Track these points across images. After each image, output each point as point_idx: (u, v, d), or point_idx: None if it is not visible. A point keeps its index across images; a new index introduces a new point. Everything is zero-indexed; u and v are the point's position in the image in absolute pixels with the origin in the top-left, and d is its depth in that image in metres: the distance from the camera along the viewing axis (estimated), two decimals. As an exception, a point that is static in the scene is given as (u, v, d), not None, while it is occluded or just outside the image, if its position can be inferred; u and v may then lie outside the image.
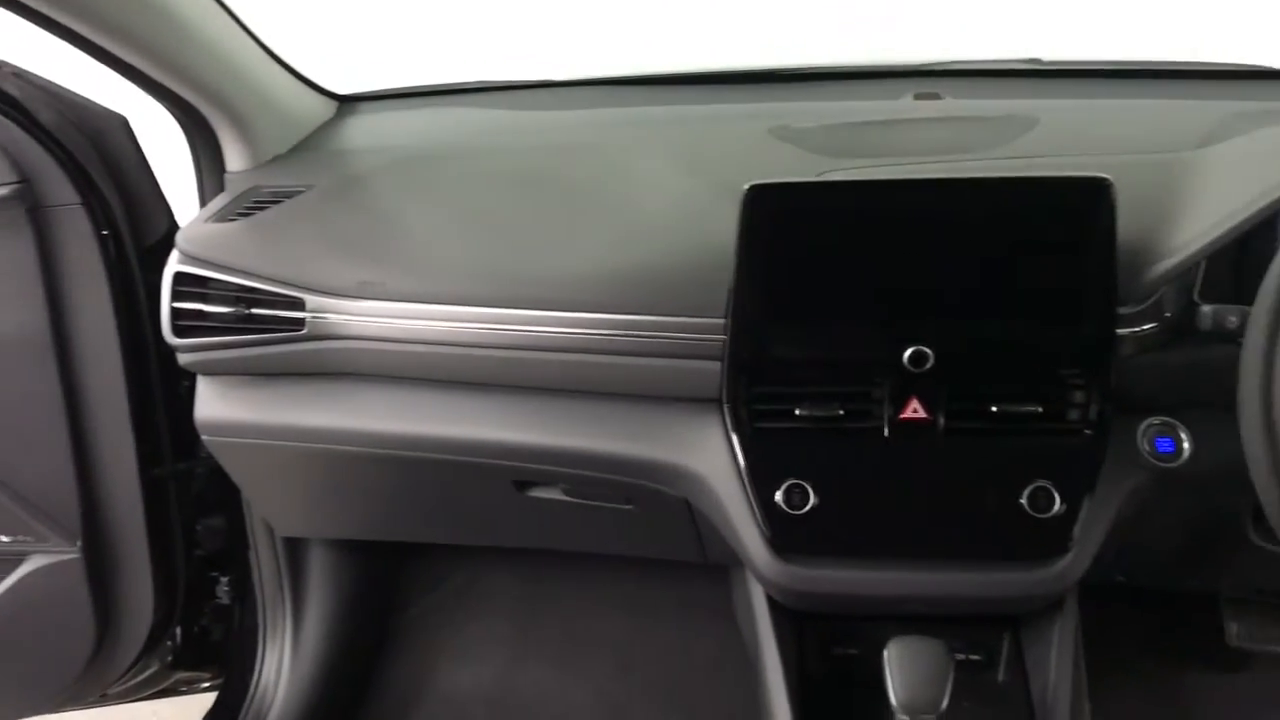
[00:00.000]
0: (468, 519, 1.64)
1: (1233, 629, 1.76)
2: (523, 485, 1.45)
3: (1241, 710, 1.75)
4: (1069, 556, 1.19)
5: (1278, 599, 1.75)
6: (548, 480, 1.43)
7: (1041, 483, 1.19)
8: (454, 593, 2.05)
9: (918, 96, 1.60)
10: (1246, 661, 1.79)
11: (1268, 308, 0.97)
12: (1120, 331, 1.19)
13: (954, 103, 1.59)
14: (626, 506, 1.43)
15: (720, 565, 1.63)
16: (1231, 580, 1.65)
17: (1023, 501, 1.19)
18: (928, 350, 1.19)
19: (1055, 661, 1.29)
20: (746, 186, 1.18)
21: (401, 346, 1.34)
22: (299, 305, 1.36)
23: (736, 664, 1.78)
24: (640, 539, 1.59)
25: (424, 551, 2.08)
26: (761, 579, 1.30)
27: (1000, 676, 1.39)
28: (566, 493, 1.45)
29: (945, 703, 1.09)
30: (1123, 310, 1.19)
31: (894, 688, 1.10)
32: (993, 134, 1.44)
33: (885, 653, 1.13)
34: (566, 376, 1.32)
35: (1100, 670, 1.68)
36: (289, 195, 1.45)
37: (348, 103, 1.75)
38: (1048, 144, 1.42)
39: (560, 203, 1.40)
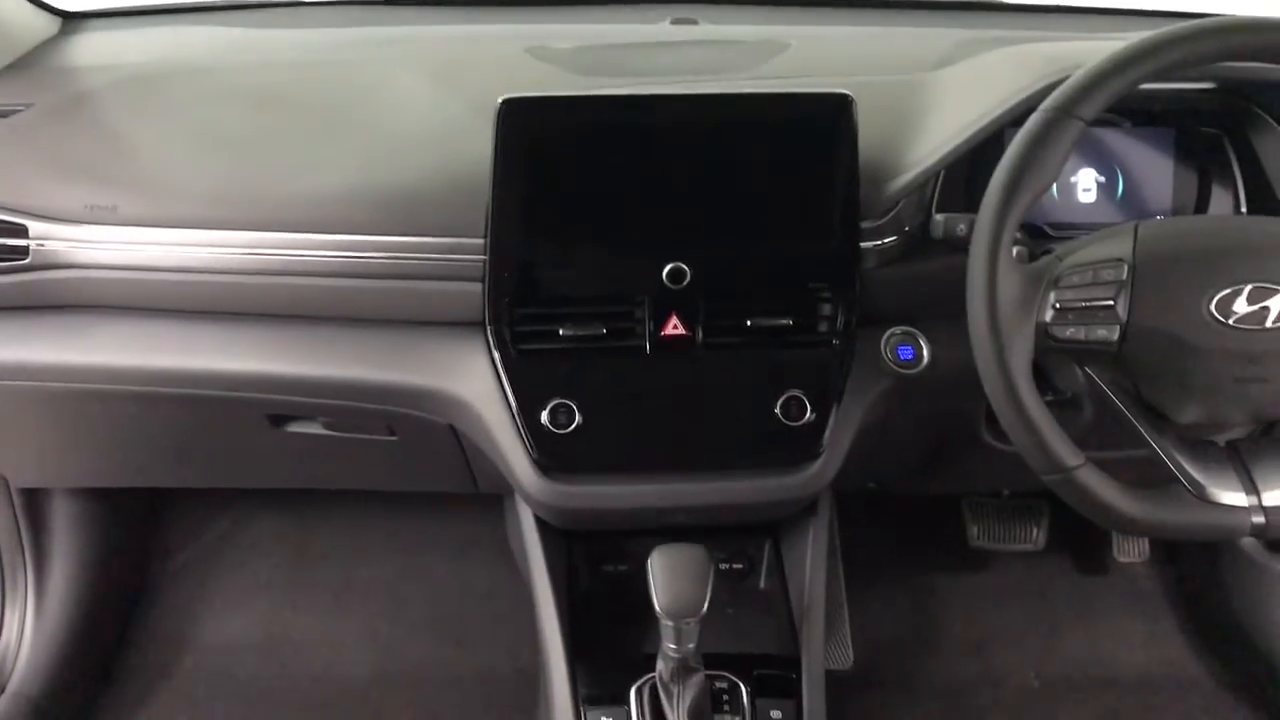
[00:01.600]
0: (223, 460, 1.57)
1: (973, 531, 1.89)
2: (279, 420, 1.40)
3: (981, 604, 1.89)
4: (820, 461, 1.24)
5: (1012, 500, 1.90)
6: (305, 414, 1.38)
7: (794, 392, 1.23)
8: (217, 540, 1.96)
9: (674, 21, 1.62)
10: (986, 560, 1.94)
11: (990, 214, 1.03)
12: (863, 245, 1.24)
13: (710, 28, 1.61)
14: (391, 438, 1.40)
15: (493, 495, 1.63)
16: (970, 482, 1.77)
17: (777, 411, 1.23)
18: (685, 266, 1.20)
19: (811, 564, 1.35)
20: (500, 100, 1.16)
21: (138, 275, 1.26)
22: (21, 232, 1.26)
23: (512, 596, 1.79)
24: (408, 471, 1.56)
25: (182, 498, 1.98)
26: (529, 500, 1.30)
27: (761, 583, 1.44)
28: (326, 426, 1.40)
29: (706, 606, 1.12)
30: (865, 224, 1.23)
31: (657, 594, 1.12)
32: (745, 57, 1.47)
33: (649, 561, 1.15)
34: (320, 302, 1.27)
35: (855, 574, 1.78)
36: (4, 114, 1.34)
37: (73, 19, 1.62)
38: (797, 66, 1.46)
39: (309, 121, 1.34)
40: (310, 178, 1.26)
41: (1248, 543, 1.71)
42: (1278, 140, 1.29)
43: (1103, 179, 1.34)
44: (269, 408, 1.36)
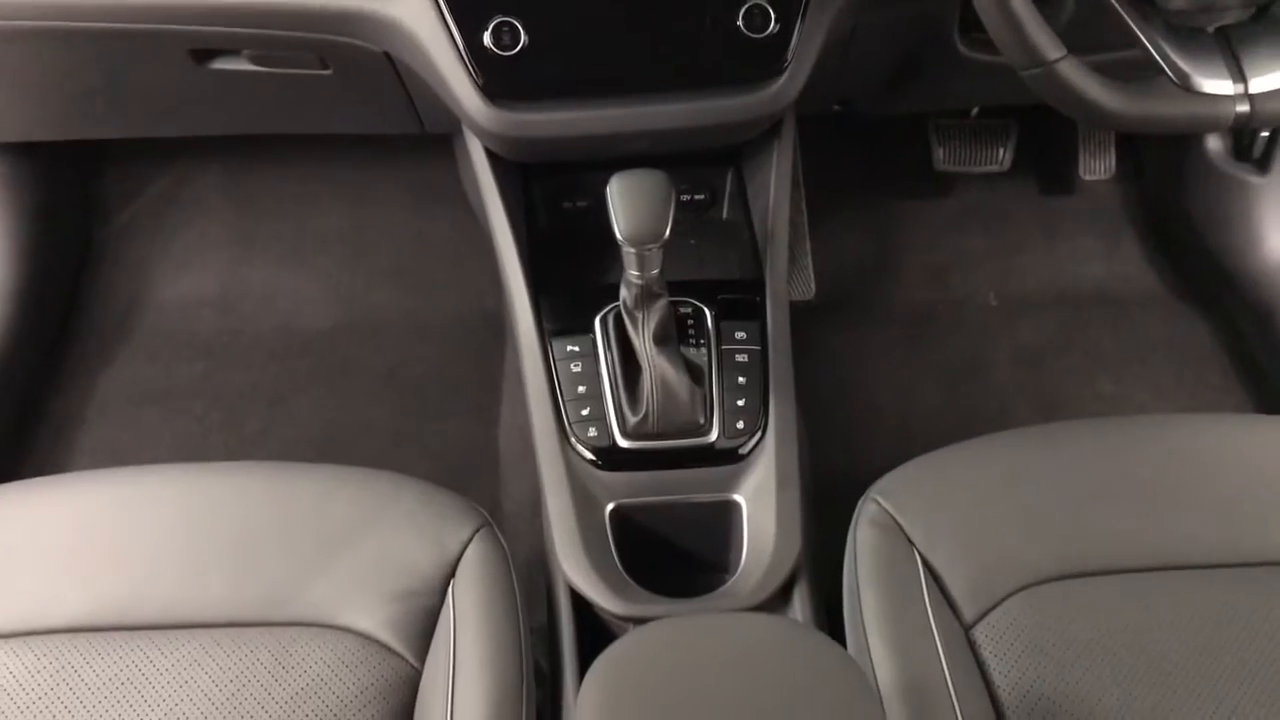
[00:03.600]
0: (149, 104, 1.47)
1: (938, 154, 1.85)
2: (202, 56, 1.29)
3: (944, 229, 1.88)
4: (785, 76, 1.17)
5: (980, 120, 1.84)
6: (228, 46, 1.27)
7: (757, 1, 1.15)
8: (161, 197, 1.89)
9: None
10: (951, 184, 1.91)
11: None
12: None
13: None
14: (324, 71, 1.30)
15: (443, 137, 1.55)
16: (939, 99, 1.71)
17: (739, 23, 1.15)
18: None
19: (775, 189, 1.32)
20: None
21: None
22: None
23: (472, 241, 1.75)
24: (348, 111, 1.48)
25: (117, 155, 1.89)
26: (478, 131, 1.24)
27: (724, 213, 1.41)
28: (253, 61, 1.29)
29: (669, 231, 1.09)
30: None
31: (618, 220, 1.08)
32: None
33: (608, 188, 1.11)
34: None
35: (818, 204, 1.75)
36: None
37: None
38: None
39: None
40: None
41: (1215, 150, 1.69)
42: None
43: None
44: (188, 41, 1.25)
